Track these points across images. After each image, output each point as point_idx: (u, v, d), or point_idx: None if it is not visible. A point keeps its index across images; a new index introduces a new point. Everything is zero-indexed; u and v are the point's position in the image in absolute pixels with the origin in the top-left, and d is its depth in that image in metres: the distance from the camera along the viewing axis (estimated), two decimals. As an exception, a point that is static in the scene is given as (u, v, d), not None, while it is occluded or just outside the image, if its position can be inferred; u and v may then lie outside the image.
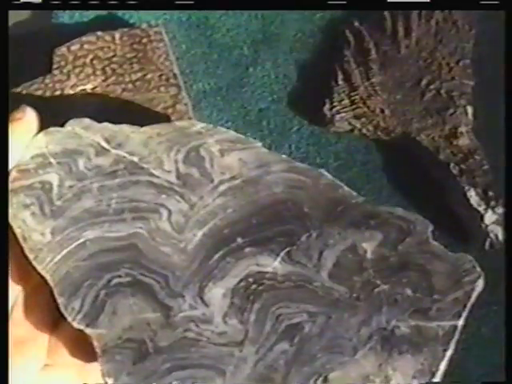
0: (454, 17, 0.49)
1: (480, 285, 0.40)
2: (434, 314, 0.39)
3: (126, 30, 0.49)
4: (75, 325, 0.38)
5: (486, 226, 0.43)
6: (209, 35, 0.51)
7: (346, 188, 0.41)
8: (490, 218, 0.43)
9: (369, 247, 0.40)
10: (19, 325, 0.39)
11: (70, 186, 0.40)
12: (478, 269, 0.39)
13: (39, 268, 0.38)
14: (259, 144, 0.42)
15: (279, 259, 0.40)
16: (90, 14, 0.51)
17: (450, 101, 0.47)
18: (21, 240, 0.39)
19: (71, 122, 0.41)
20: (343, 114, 0.47)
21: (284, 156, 0.42)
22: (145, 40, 0.48)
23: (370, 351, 0.38)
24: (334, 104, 0.47)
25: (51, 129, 0.41)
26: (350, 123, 0.47)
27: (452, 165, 0.45)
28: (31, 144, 0.40)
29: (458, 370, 0.39)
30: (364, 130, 0.47)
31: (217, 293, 0.39)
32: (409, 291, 0.39)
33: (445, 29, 0.49)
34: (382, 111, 0.47)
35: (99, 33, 0.48)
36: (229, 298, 0.39)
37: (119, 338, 0.38)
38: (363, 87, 0.47)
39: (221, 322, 0.38)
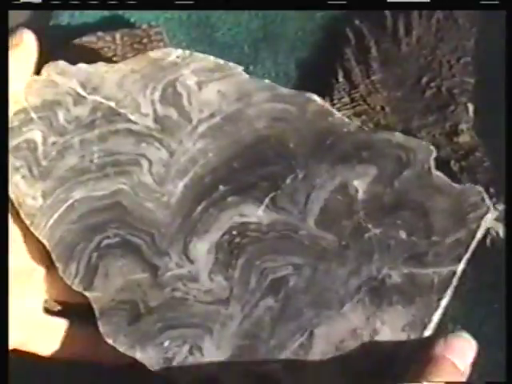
0: (454, 15, 0.49)
1: (488, 220, 0.37)
2: (430, 260, 0.37)
3: (126, 30, 0.49)
4: (74, 288, 0.39)
5: (487, 223, 0.43)
6: (209, 34, 0.51)
7: (337, 115, 0.39)
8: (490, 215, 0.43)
9: (361, 185, 0.38)
10: (18, 255, 0.40)
11: (53, 143, 0.40)
12: (487, 201, 0.37)
13: (36, 234, 0.39)
14: (240, 69, 0.40)
15: (263, 207, 0.38)
16: (90, 14, 0.51)
17: (451, 98, 0.47)
18: (17, 206, 0.39)
19: (46, 67, 0.41)
20: (344, 112, 0.47)
21: (267, 81, 0.40)
22: (145, 40, 0.48)
23: (358, 304, 0.37)
24: (335, 102, 0.47)
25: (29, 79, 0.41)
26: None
27: (453, 162, 0.45)
28: (12, 97, 0.40)
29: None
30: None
31: (201, 248, 0.39)
32: (403, 234, 0.37)
33: (445, 27, 0.49)
34: (383, 109, 0.47)
35: (100, 33, 0.48)
36: (213, 254, 0.39)
37: (112, 299, 0.39)
38: (364, 85, 0.47)
39: (207, 280, 0.39)
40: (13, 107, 0.40)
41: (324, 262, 0.38)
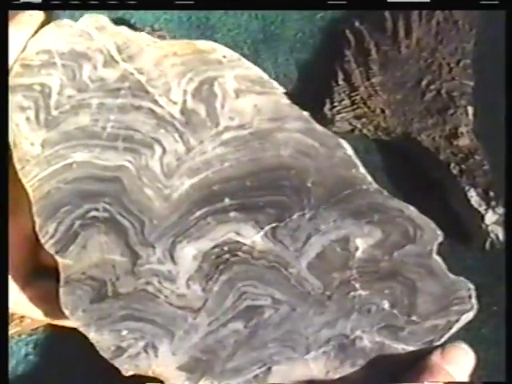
0: (454, 17, 0.49)
1: (468, 318, 0.37)
2: (404, 336, 0.37)
3: None
4: (46, 248, 0.38)
5: (487, 225, 0.43)
6: (209, 35, 0.51)
7: (361, 169, 0.38)
8: (490, 218, 0.43)
9: (362, 245, 0.37)
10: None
11: (70, 96, 0.38)
12: (473, 300, 0.37)
13: (24, 181, 0.38)
14: (281, 90, 0.38)
15: (262, 233, 0.38)
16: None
17: (451, 101, 0.47)
18: (11, 145, 0.38)
19: (87, 16, 0.39)
20: (344, 114, 0.47)
21: (305, 113, 0.38)
22: None
23: (323, 355, 0.37)
24: (335, 104, 0.47)
25: (64, 21, 0.39)
26: (350, 123, 0.47)
27: (452, 165, 0.45)
28: (40, 35, 0.38)
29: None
30: (364, 130, 0.47)
31: (188, 253, 0.38)
32: (386, 304, 0.37)
33: (445, 29, 0.49)
34: (383, 111, 0.47)
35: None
36: (198, 261, 0.38)
37: (83, 273, 0.38)
38: (364, 87, 0.47)
39: (183, 284, 0.38)
40: (39, 44, 0.38)
41: (303, 305, 0.37)
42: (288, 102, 0.38)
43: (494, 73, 0.47)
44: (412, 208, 0.38)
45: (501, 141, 0.44)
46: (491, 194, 0.44)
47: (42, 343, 0.45)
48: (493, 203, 0.43)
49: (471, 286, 0.37)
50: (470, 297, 0.37)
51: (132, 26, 0.50)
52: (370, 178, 0.38)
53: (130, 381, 0.39)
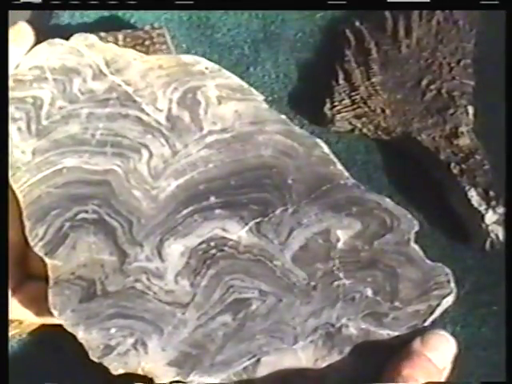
0: (454, 17, 0.49)
1: (449, 302, 0.38)
2: (388, 322, 0.38)
3: (129, 31, 0.48)
4: (36, 250, 0.38)
5: (487, 225, 0.43)
6: (209, 35, 0.51)
7: (338, 166, 0.40)
8: (490, 217, 0.43)
9: (343, 236, 0.39)
10: None
11: (61, 108, 0.40)
12: (452, 285, 0.39)
13: (15, 187, 0.39)
14: (261, 98, 0.41)
15: (247, 228, 0.39)
16: (90, 14, 0.51)
17: (451, 101, 0.47)
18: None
19: (77, 36, 0.41)
20: (344, 114, 0.47)
21: (283, 116, 0.41)
22: (147, 42, 0.48)
23: (311, 344, 0.38)
24: (335, 104, 0.47)
25: (56, 40, 0.41)
26: (350, 123, 0.47)
27: (452, 165, 0.45)
28: (33, 53, 0.40)
29: (458, 370, 0.39)
30: (365, 130, 0.47)
31: (175, 249, 0.39)
32: (369, 292, 0.38)
33: (445, 29, 0.49)
34: (383, 111, 0.47)
35: (102, 34, 0.48)
36: (186, 258, 0.39)
37: (72, 273, 0.38)
38: (364, 87, 0.47)
39: (172, 280, 0.39)
40: (31, 61, 0.40)
41: (290, 296, 0.38)
42: (267, 106, 0.41)
43: (494, 73, 0.47)
44: (388, 200, 0.40)
45: (501, 141, 0.44)
46: (491, 193, 0.44)
47: (43, 342, 0.45)
48: (493, 203, 0.43)
49: (449, 271, 0.39)
50: (448, 281, 0.39)
51: (132, 26, 0.50)
52: (347, 174, 0.40)
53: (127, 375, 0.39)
